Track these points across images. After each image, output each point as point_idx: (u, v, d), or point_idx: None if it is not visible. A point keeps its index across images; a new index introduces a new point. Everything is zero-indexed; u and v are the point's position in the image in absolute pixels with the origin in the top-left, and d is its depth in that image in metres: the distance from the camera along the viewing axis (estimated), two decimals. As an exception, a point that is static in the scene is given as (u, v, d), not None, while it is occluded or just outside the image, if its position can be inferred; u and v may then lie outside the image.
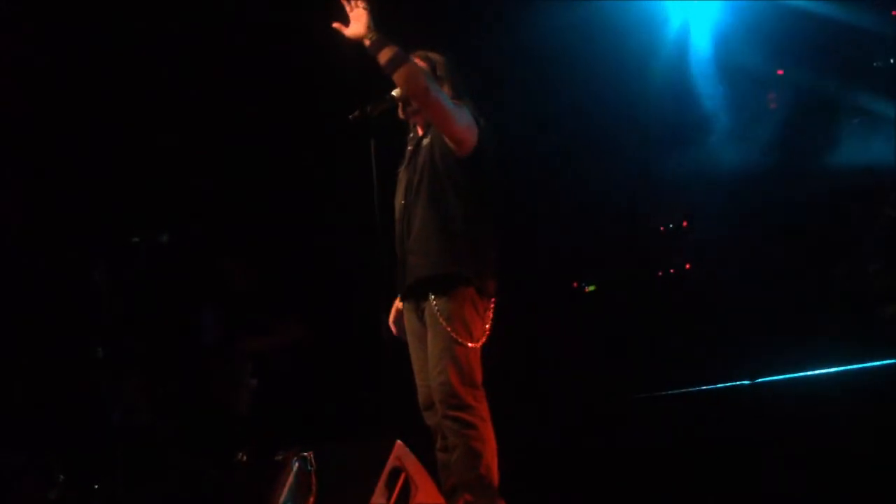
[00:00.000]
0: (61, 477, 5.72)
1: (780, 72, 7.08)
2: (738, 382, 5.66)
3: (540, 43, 7.14)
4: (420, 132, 4.78)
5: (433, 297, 4.50)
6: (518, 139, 6.78)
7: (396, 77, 4.45)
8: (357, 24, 4.43)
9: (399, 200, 4.74)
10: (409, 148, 4.82)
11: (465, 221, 4.54)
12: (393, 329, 4.90)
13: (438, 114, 4.47)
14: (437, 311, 4.48)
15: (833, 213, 6.72)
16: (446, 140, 4.55)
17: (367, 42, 4.42)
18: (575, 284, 7.92)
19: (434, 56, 4.71)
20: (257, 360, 7.45)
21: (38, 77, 7.43)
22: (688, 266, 7.48)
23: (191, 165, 7.75)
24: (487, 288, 4.57)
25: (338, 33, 4.47)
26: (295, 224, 7.93)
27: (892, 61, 6.51)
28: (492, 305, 4.62)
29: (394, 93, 4.65)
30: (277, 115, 7.71)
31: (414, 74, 4.41)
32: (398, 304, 4.87)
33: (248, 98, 7.72)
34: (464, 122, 4.52)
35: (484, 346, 4.57)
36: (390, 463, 4.41)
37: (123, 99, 7.54)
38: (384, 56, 4.40)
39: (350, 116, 4.59)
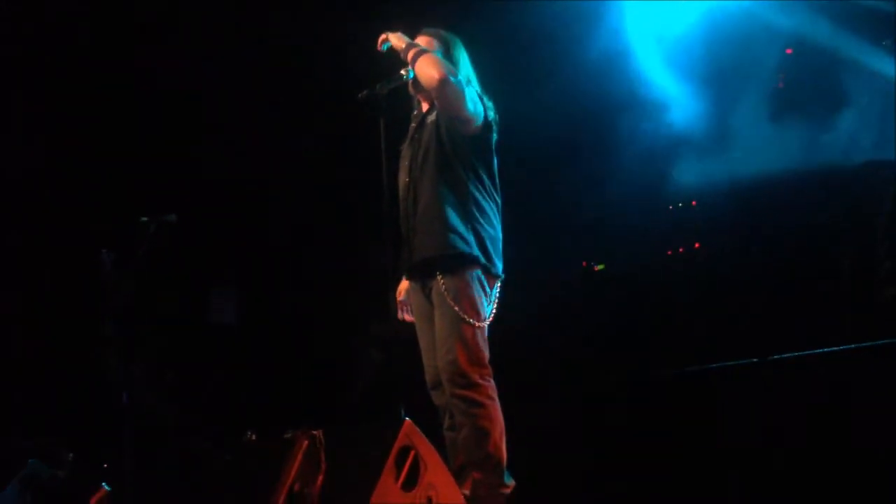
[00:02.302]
0: (71, 456, 5.74)
1: (789, 51, 7.05)
2: (747, 360, 5.67)
3: (557, 23, 7.14)
4: (424, 108, 4.77)
5: (440, 275, 4.50)
6: (528, 118, 6.76)
7: (418, 69, 4.51)
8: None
9: (403, 178, 4.71)
10: (413, 125, 4.81)
11: (472, 199, 4.54)
12: (402, 313, 4.89)
13: (453, 102, 4.47)
14: (445, 289, 4.47)
15: (843, 194, 6.70)
16: (454, 120, 4.55)
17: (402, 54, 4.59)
18: (584, 263, 7.92)
19: (446, 35, 4.71)
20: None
21: (45, 51, 7.42)
22: (697, 245, 7.48)
23: (198, 146, 7.77)
24: (494, 267, 4.57)
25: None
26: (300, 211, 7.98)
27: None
28: (499, 284, 4.63)
29: (402, 72, 4.64)
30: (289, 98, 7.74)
31: (434, 65, 4.46)
32: (404, 285, 4.87)
33: (256, 79, 7.73)
34: (472, 104, 4.51)
35: (491, 325, 4.57)
36: (399, 441, 4.40)
37: (131, 79, 7.54)
38: (410, 54, 4.54)
39: (359, 95, 4.57)
